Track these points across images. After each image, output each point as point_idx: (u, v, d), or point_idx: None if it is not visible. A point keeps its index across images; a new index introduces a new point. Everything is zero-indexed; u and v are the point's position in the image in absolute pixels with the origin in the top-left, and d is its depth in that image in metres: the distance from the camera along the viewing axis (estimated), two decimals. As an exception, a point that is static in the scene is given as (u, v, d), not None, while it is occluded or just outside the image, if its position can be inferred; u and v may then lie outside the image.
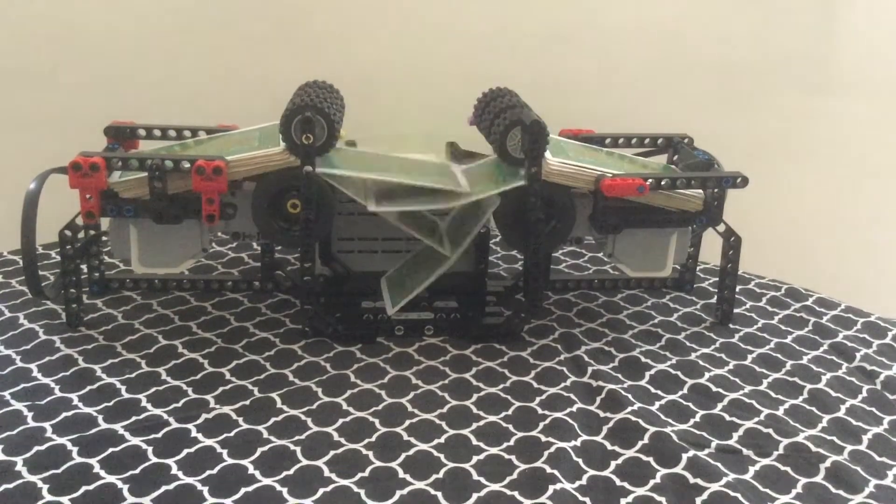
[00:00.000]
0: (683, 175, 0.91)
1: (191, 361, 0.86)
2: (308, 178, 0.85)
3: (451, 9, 1.29)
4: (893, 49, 1.40)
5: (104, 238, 0.99)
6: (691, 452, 0.74)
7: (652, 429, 0.77)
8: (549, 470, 0.71)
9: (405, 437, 0.76)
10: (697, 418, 0.80)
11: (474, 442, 0.75)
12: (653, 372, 0.88)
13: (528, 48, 1.30)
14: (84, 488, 0.67)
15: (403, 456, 0.73)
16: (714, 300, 1.02)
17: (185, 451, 0.72)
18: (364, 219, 0.96)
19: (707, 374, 0.88)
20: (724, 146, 1.00)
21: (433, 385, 0.84)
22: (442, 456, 0.73)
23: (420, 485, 0.69)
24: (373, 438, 0.75)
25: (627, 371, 0.88)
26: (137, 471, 0.69)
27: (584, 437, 0.76)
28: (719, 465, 0.73)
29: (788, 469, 0.73)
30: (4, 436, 0.73)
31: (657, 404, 0.82)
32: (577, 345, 0.92)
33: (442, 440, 0.75)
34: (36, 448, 0.72)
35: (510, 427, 0.77)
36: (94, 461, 0.70)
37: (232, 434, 0.75)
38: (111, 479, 0.68)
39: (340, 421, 0.77)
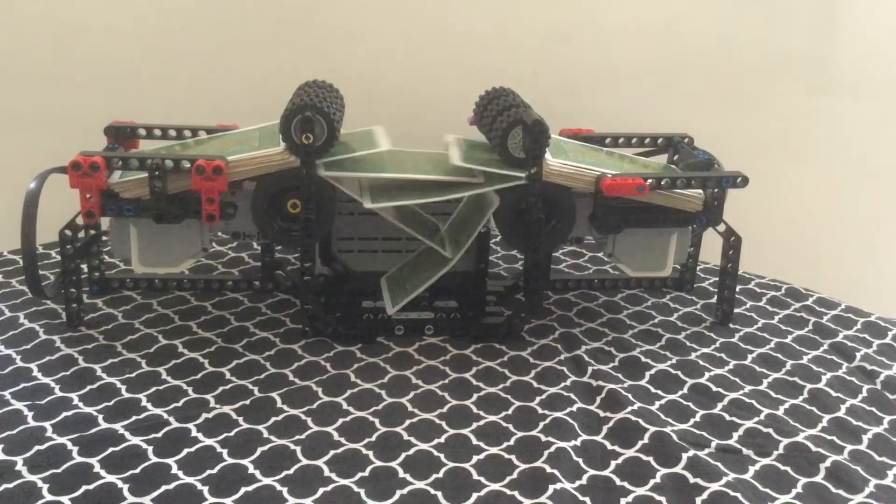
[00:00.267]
0: (683, 175, 0.91)
1: (191, 361, 0.86)
2: (308, 178, 0.85)
3: (451, 9, 1.29)
4: (893, 49, 1.40)
5: (104, 238, 0.99)
6: (691, 452, 0.74)
7: (652, 428, 0.77)
8: (549, 469, 0.71)
9: (405, 436, 0.76)
10: (697, 418, 0.80)
11: (474, 441, 0.75)
12: (653, 372, 0.88)
13: (528, 48, 1.30)
14: (84, 488, 0.67)
15: (403, 455, 0.73)
16: (714, 300, 1.02)
17: (186, 451, 0.72)
18: (364, 219, 0.96)
19: (707, 374, 0.88)
20: (724, 146, 1.00)
21: (433, 385, 0.84)
22: (442, 455, 0.73)
23: (420, 484, 0.69)
24: (373, 438, 0.75)
25: (627, 371, 0.88)
26: (137, 470, 0.69)
27: (585, 437, 0.76)
28: (719, 464, 0.73)
29: (788, 469, 0.73)
30: (4, 435, 0.73)
31: (657, 404, 0.82)
32: (578, 344, 0.92)
33: (442, 440, 0.75)
34: (36, 447, 0.72)
35: (510, 427, 0.77)
36: (94, 461, 0.70)
37: (232, 434, 0.75)
38: (111, 478, 0.68)
39: (340, 420, 0.77)
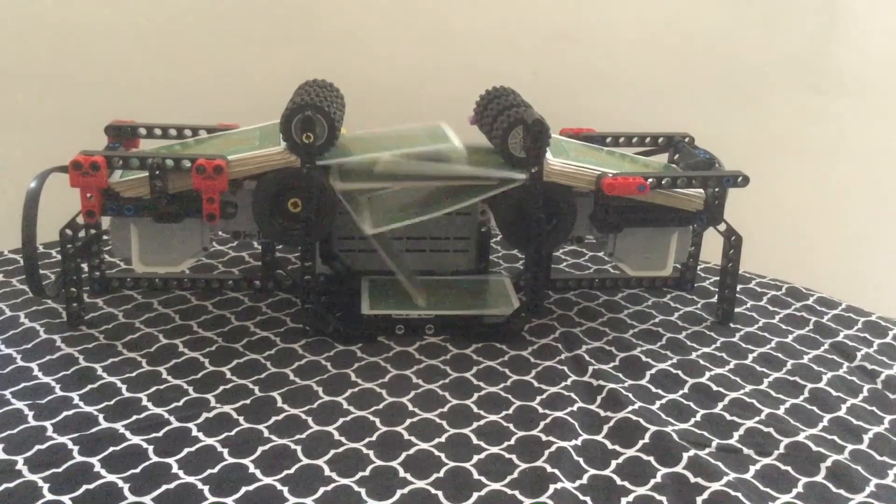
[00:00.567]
0: (684, 174, 0.91)
1: (191, 360, 0.86)
2: (308, 177, 0.85)
3: (451, 9, 1.29)
4: (893, 49, 1.40)
5: (105, 237, 0.99)
6: (692, 452, 0.74)
7: (653, 428, 0.77)
8: (549, 469, 0.71)
9: (406, 436, 0.75)
10: (698, 417, 0.80)
11: (475, 441, 0.75)
12: (653, 371, 0.88)
13: (528, 48, 1.30)
14: (85, 487, 0.67)
15: (404, 455, 0.73)
16: (715, 299, 1.02)
17: (186, 450, 0.72)
18: None
19: (708, 374, 0.88)
20: (724, 145, 1.00)
21: (434, 384, 0.84)
22: (442, 455, 0.73)
23: (420, 484, 0.69)
24: (373, 437, 0.75)
25: (628, 370, 0.88)
26: (138, 470, 0.69)
27: (585, 437, 0.76)
28: (720, 464, 0.73)
29: (789, 468, 0.73)
30: (5, 435, 0.73)
31: (658, 403, 0.82)
32: (578, 344, 0.92)
33: (442, 439, 0.75)
34: (36, 447, 0.71)
35: (511, 426, 0.77)
36: (94, 460, 0.70)
37: (233, 433, 0.75)
38: (112, 477, 0.68)
39: (341, 420, 0.77)
